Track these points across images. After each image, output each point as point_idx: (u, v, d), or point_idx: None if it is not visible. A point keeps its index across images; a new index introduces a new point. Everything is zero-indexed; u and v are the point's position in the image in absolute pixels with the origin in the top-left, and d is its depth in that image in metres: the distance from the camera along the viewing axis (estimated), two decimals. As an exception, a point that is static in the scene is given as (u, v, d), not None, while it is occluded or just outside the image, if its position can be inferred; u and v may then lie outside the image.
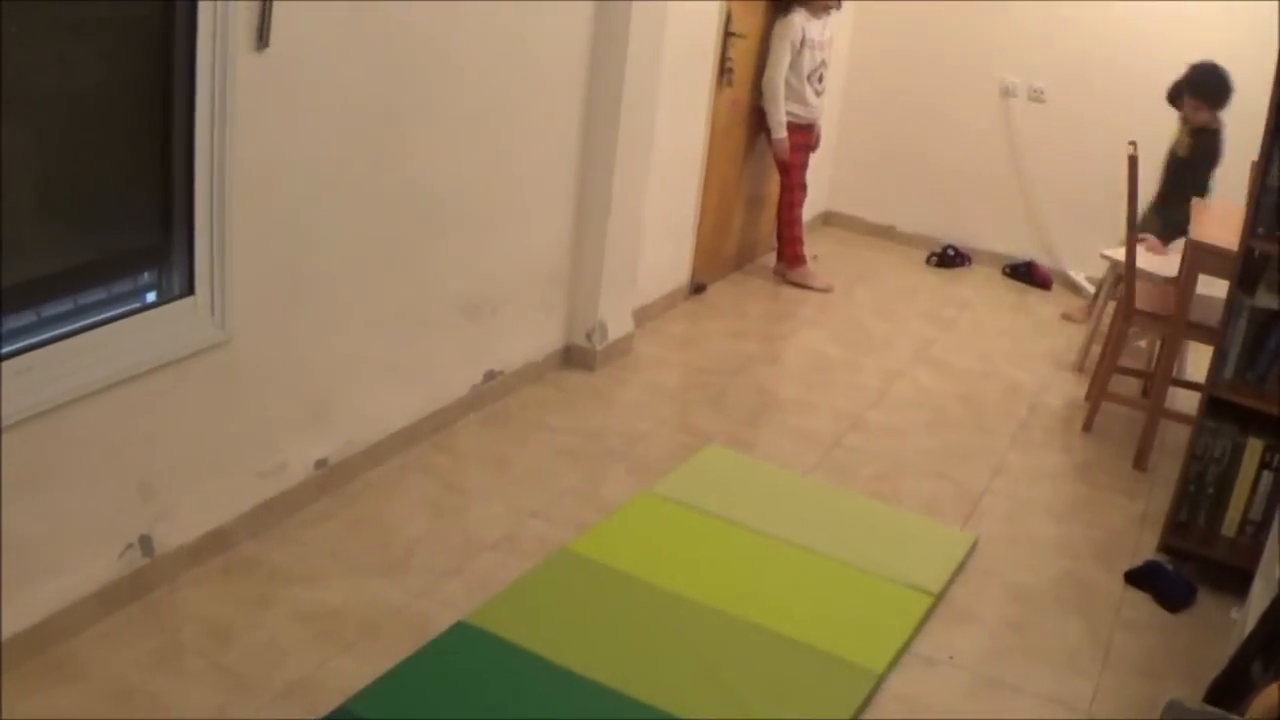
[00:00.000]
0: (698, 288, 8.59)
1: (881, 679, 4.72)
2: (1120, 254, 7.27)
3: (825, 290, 8.96)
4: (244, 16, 4.52)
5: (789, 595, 5.21)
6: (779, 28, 8.54)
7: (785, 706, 4.48)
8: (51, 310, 4.30)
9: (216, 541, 5.06)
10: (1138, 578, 5.64)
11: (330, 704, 4.28)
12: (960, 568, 5.57)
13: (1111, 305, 7.84)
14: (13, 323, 4.15)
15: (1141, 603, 5.51)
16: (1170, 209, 7.98)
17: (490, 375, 6.58)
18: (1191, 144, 8.16)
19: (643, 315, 7.80)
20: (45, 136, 4.18)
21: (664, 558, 5.35)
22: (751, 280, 9.10)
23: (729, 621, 4.94)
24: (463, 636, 4.65)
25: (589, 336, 7.19)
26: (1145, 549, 5.90)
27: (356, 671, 4.48)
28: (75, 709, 4.21)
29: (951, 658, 4.99)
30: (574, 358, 7.25)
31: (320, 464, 5.52)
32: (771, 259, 9.29)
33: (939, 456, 6.68)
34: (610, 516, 5.64)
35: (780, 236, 9.10)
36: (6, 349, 4.11)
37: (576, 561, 5.24)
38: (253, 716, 4.24)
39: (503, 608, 4.84)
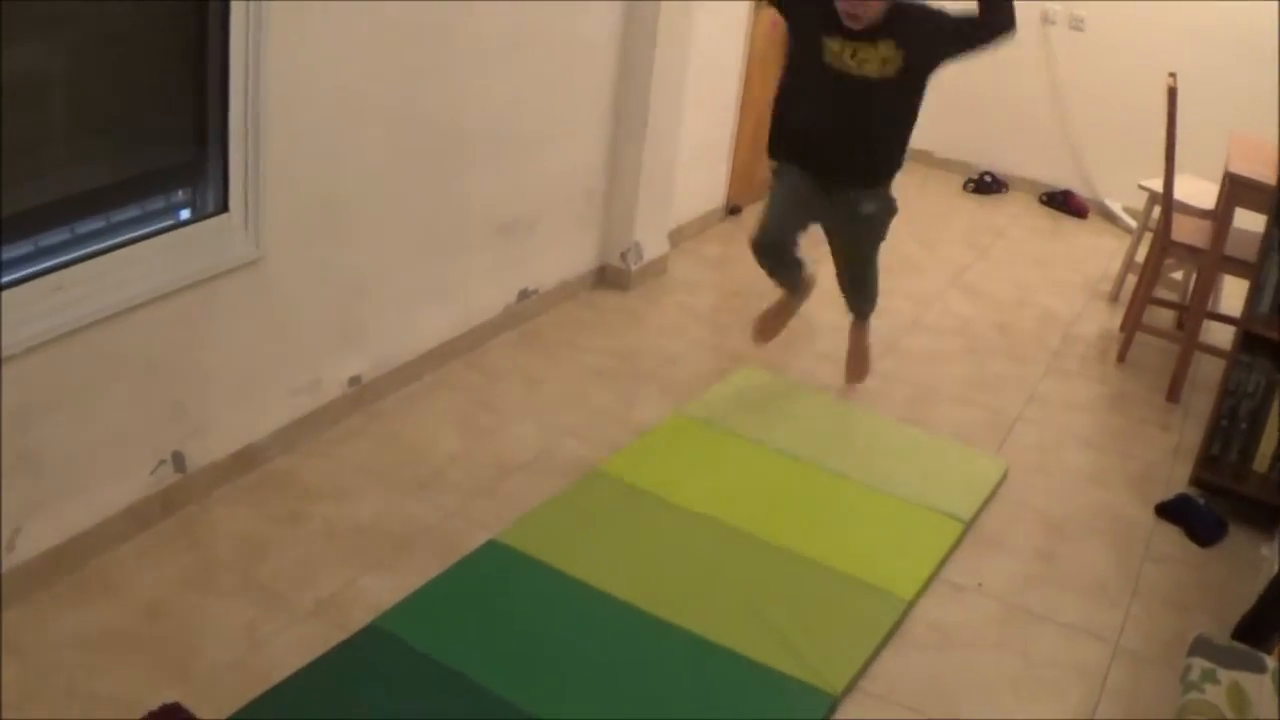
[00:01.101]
0: (733, 209, 8.56)
1: (911, 605, 4.74)
2: (1158, 185, 7.22)
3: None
4: (282, -64, 4.52)
5: (819, 520, 5.21)
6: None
7: (814, 629, 4.48)
8: (85, 227, 4.30)
9: (248, 458, 5.08)
10: (1169, 511, 5.63)
11: (361, 620, 4.30)
12: (991, 495, 5.57)
13: (1148, 236, 7.79)
14: (46, 240, 4.16)
15: (1172, 536, 5.51)
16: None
17: (524, 294, 6.57)
18: None
19: (677, 236, 7.78)
20: (80, 54, 4.17)
21: (695, 480, 5.34)
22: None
23: (758, 545, 4.95)
24: (493, 555, 4.67)
25: (623, 257, 7.17)
26: (1177, 482, 5.89)
27: (387, 588, 4.50)
28: (107, 624, 4.24)
29: (980, 585, 5.00)
30: (608, 278, 7.24)
31: (353, 381, 5.53)
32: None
33: (973, 383, 6.67)
34: (642, 437, 5.64)
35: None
36: (40, 266, 4.12)
37: (607, 482, 5.24)
38: (283, 632, 4.26)
39: (533, 527, 4.85)
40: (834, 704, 4.16)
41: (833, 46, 5.29)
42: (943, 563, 5.06)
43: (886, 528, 5.23)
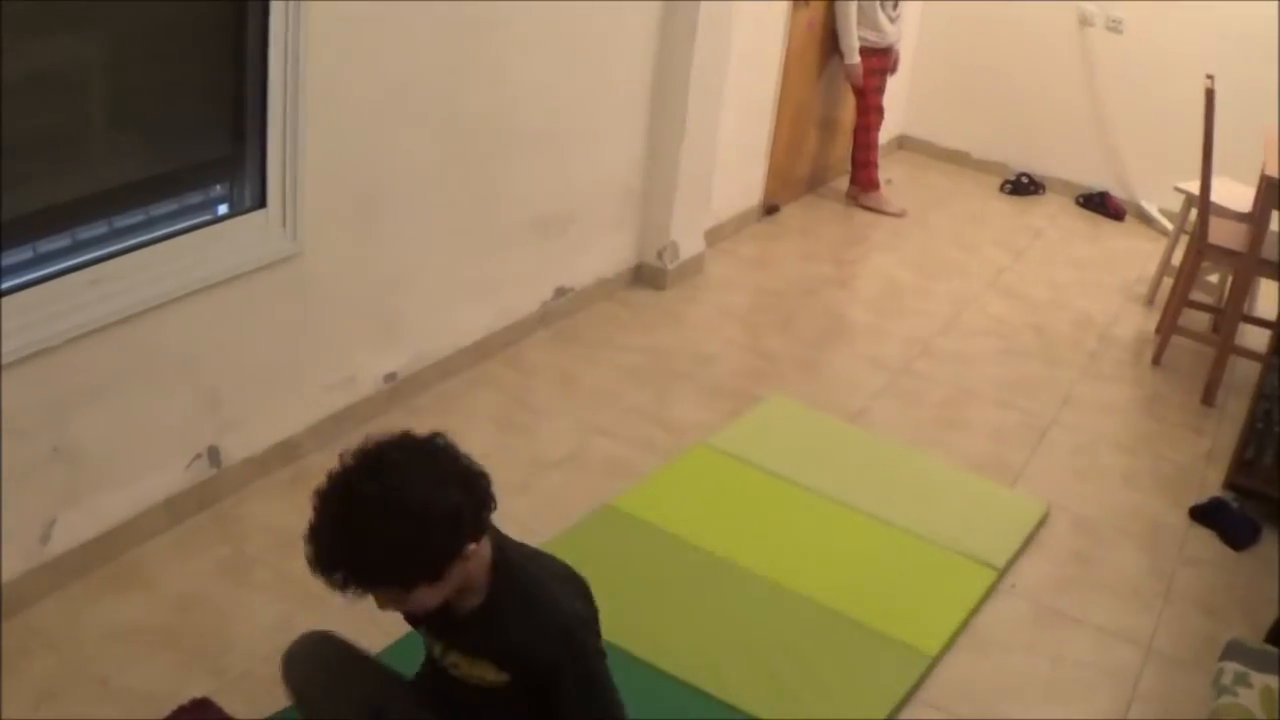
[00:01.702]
0: (770, 209, 8.56)
1: (934, 663, 4.55)
2: (1195, 187, 7.20)
3: (898, 215, 8.90)
4: (322, -72, 4.54)
5: (843, 564, 5.00)
6: (853, -50, 8.46)
7: (830, 690, 4.29)
8: (123, 221, 4.33)
9: (284, 453, 5.11)
10: (1202, 514, 5.63)
11: (394, 617, 4.32)
12: (1029, 540, 5.35)
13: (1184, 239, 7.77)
14: (84, 233, 4.19)
15: (1205, 539, 5.50)
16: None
17: (560, 292, 6.59)
18: None
19: (714, 235, 7.78)
20: (118, 48, 4.20)
21: (714, 518, 5.16)
22: (824, 203, 9.06)
23: (777, 591, 4.76)
24: None
25: (660, 255, 7.18)
26: (1211, 485, 5.88)
27: (421, 585, 4.51)
28: (141, 617, 4.28)
29: (1014, 586, 5.00)
30: (645, 276, 7.25)
31: (389, 377, 5.55)
32: (845, 182, 9.23)
33: (1008, 385, 6.66)
34: (660, 470, 5.48)
35: (855, 160, 9.02)
36: (77, 260, 4.16)
37: (620, 518, 5.08)
38: (317, 627, 4.28)
39: None
40: None
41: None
42: (971, 616, 4.85)
43: (914, 574, 5.02)
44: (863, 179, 8.98)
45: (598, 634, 3.27)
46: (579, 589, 3.28)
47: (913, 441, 5.96)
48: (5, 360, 3.87)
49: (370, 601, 2.97)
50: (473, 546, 2.97)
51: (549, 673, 3.11)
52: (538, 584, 3.17)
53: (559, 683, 3.12)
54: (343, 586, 2.89)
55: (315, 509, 2.90)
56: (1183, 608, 5.02)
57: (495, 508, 3.04)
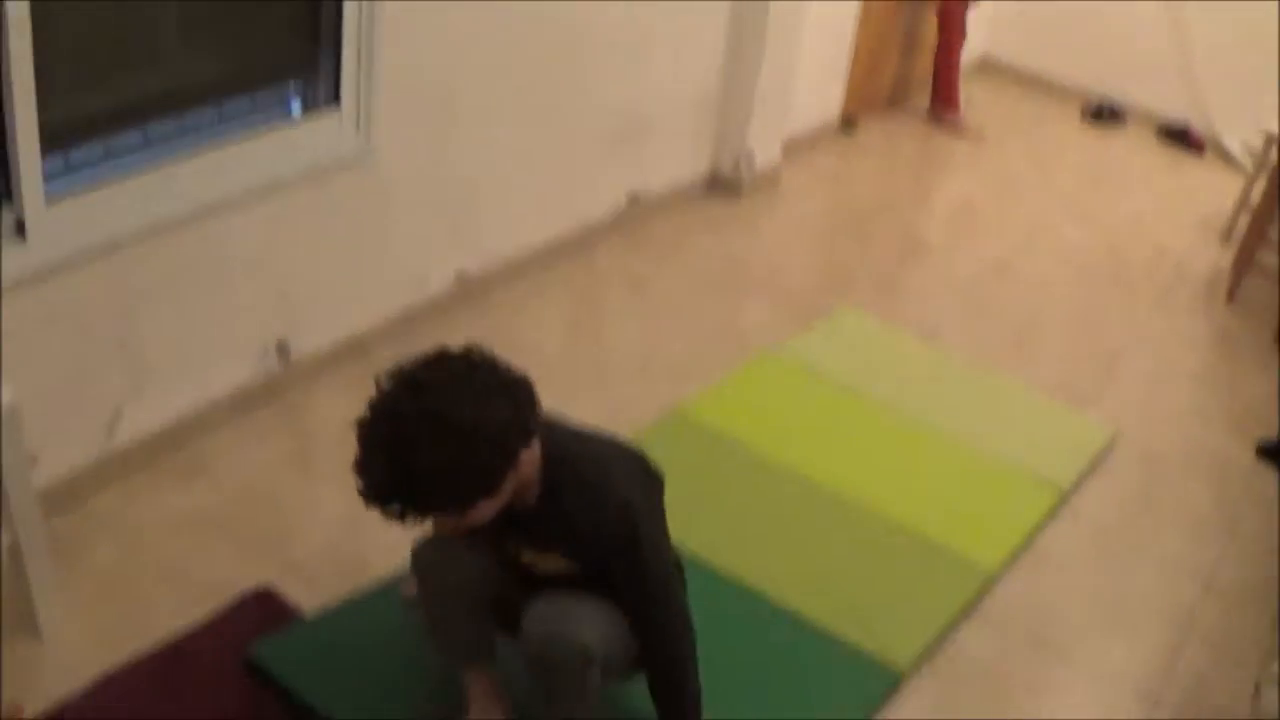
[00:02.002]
0: (848, 124, 8.50)
1: (992, 580, 4.56)
2: (1277, 126, 7.12)
3: (977, 139, 8.83)
4: None
5: (907, 478, 4.99)
6: None
7: (887, 600, 4.33)
8: (195, 119, 4.33)
9: (353, 349, 5.13)
10: (1269, 453, 5.59)
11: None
12: (1094, 463, 5.33)
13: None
14: (157, 130, 4.19)
15: (1271, 478, 5.46)
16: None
17: (634, 198, 6.57)
18: None
19: (791, 147, 7.73)
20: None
21: (779, 428, 5.16)
22: (903, 120, 8.99)
23: (839, 502, 4.77)
24: None
25: (736, 164, 7.15)
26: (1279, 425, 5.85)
27: (486, 480, 4.53)
28: (205, 508, 4.32)
29: (1077, 510, 4.99)
30: (720, 185, 7.22)
31: (460, 276, 5.56)
32: (924, 101, 9.15)
33: (1080, 312, 6.62)
34: (729, 376, 5.48)
35: (936, 80, 8.94)
36: (150, 156, 4.16)
37: (686, 425, 5.08)
38: (381, 520, 4.30)
39: None
40: (898, 681, 4.03)
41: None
42: (1033, 534, 4.85)
43: (977, 491, 5.00)
44: (944, 100, 8.89)
45: (661, 517, 3.29)
46: (639, 472, 3.27)
47: (983, 361, 5.94)
48: (75, 255, 3.91)
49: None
50: (527, 451, 2.96)
51: (610, 559, 3.14)
52: (594, 473, 3.16)
53: (619, 569, 3.15)
54: (400, 516, 2.92)
55: (360, 440, 2.90)
56: (1245, 545, 5.00)
57: (540, 410, 3.01)
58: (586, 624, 3.13)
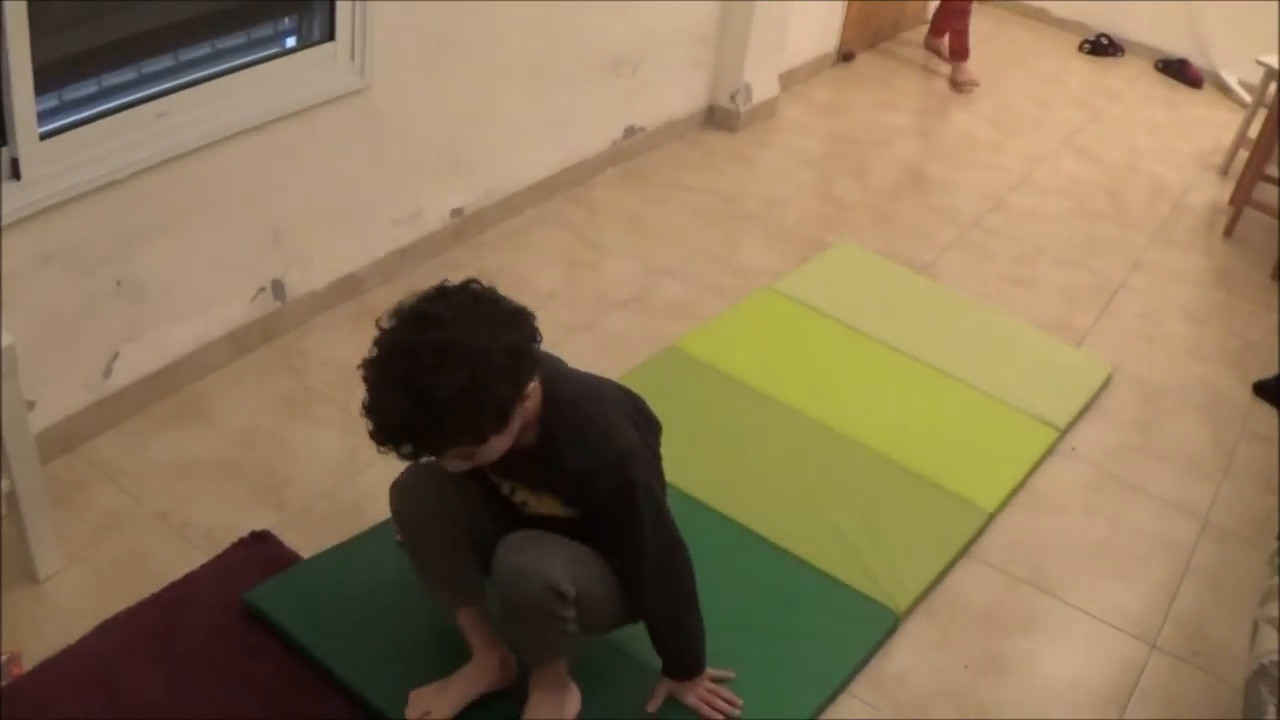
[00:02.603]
0: (846, 56, 8.45)
1: (991, 518, 4.56)
2: (1276, 61, 7.09)
3: (973, 85, 8.63)
4: None
5: (904, 416, 4.98)
6: None
7: (885, 540, 4.31)
8: (189, 54, 4.30)
9: (348, 287, 5.12)
10: (1267, 390, 5.58)
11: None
12: (1091, 402, 5.33)
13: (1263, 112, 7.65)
14: (150, 66, 4.16)
15: (1268, 415, 5.46)
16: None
17: (630, 131, 6.54)
18: None
19: (788, 80, 7.70)
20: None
21: (778, 364, 5.14)
22: (901, 52, 8.94)
23: (837, 440, 4.76)
24: None
25: (733, 97, 7.12)
26: (1276, 363, 5.83)
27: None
28: (202, 450, 4.32)
29: (1075, 449, 4.99)
30: (716, 118, 7.19)
31: (455, 213, 5.54)
32: (922, 31, 9.09)
33: (1078, 245, 6.60)
34: (726, 311, 5.48)
35: (942, 23, 8.78)
36: (143, 93, 4.13)
37: (684, 360, 5.07)
38: (378, 462, 4.29)
39: None
40: (897, 622, 4.03)
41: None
42: (1030, 474, 4.85)
43: (975, 429, 4.97)
44: (955, 47, 8.61)
45: (656, 459, 3.28)
46: (634, 412, 3.27)
47: (980, 296, 5.93)
48: (70, 194, 3.88)
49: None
50: (533, 384, 2.95)
51: (604, 504, 3.13)
52: (591, 413, 3.14)
53: (614, 515, 3.14)
54: (414, 455, 2.90)
55: (370, 380, 2.86)
56: (1242, 483, 5.00)
57: (541, 341, 3.00)
58: (561, 562, 3.11)
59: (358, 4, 4.68)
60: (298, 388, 4.66)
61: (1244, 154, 7.62)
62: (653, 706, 3.48)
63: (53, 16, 3.73)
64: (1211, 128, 8.60)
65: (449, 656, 3.50)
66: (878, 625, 4.00)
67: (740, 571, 4.08)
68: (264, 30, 4.56)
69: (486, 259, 5.53)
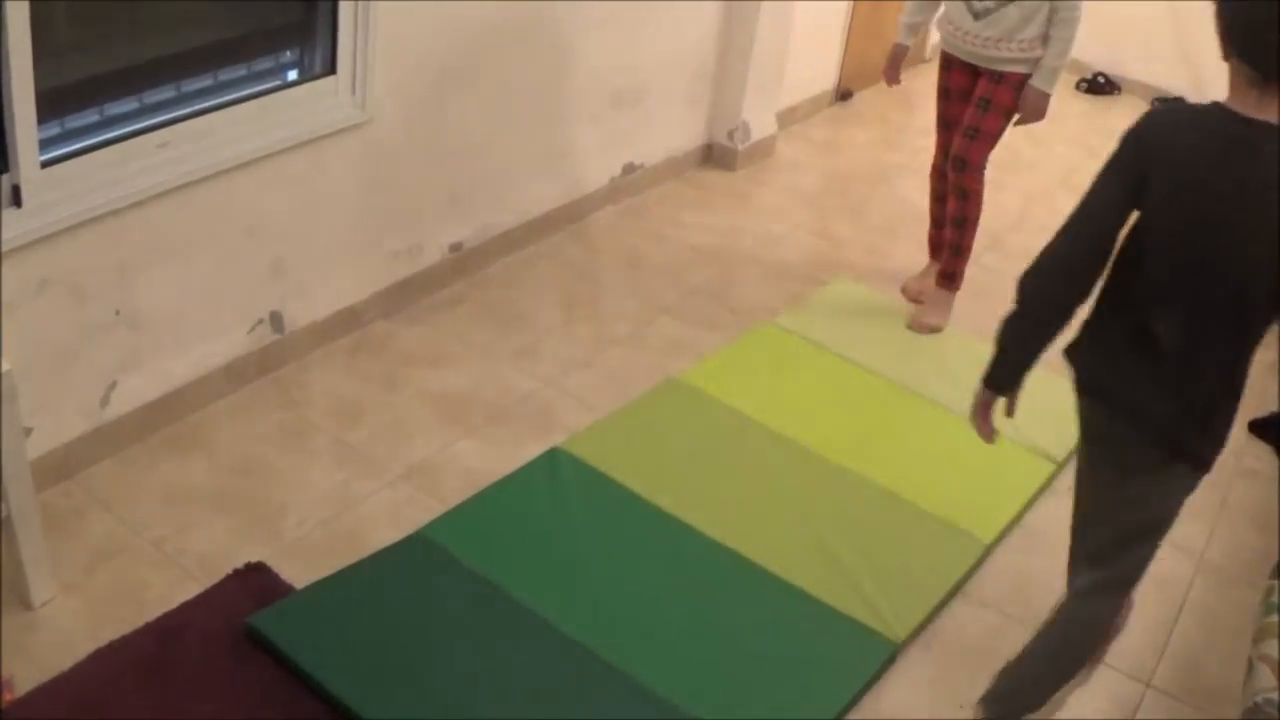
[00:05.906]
0: (844, 94, 8.48)
1: (989, 550, 4.59)
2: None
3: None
4: None
5: (903, 448, 5.03)
6: None
7: (884, 571, 4.34)
8: (191, 85, 4.33)
9: (347, 320, 5.14)
10: (1262, 428, 5.58)
11: (452, 486, 4.37)
12: None
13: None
14: (152, 97, 4.19)
15: (1263, 453, 5.46)
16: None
17: (629, 168, 6.56)
18: None
19: (787, 118, 7.74)
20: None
21: (777, 396, 5.18)
22: (898, 90, 8.94)
23: (836, 472, 4.80)
24: (555, 464, 4.54)
25: (731, 135, 7.14)
26: (1273, 400, 5.81)
27: (479, 455, 4.55)
28: (198, 481, 4.33)
29: (1070, 487, 4.99)
30: (715, 156, 7.21)
31: (455, 248, 5.55)
32: (922, 71, 9.11)
33: (1073, 286, 6.59)
34: (725, 346, 5.50)
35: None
36: (145, 123, 4.16)
37: (684, 392, 5.10)
38: (373, 495, 4.31)
39: (600, 436, 4.72)
40: (895, 653, 4.05)
41: None
42: (1028, 506, 4.88)
43: (973, 462, 4.89)
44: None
45: None
46: None
47: (978, 333, 5.91)
48: (70, 222, 3.90)
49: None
50: None
51: None
52: None
53: None
54: None
55: None
56: (1236, 521, 5.00)
57: None
58: None
59: (359, 38, 4.71)
60: (294, 419, 4.67)
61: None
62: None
63: (57, 45, 3.75)
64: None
65: (451, 682, 3.55)
66: (876, 655, 4.02)
67: (741, 600, 4.12)
68: (266, 63, 4.60)
69: (485, 294, 5.54)
